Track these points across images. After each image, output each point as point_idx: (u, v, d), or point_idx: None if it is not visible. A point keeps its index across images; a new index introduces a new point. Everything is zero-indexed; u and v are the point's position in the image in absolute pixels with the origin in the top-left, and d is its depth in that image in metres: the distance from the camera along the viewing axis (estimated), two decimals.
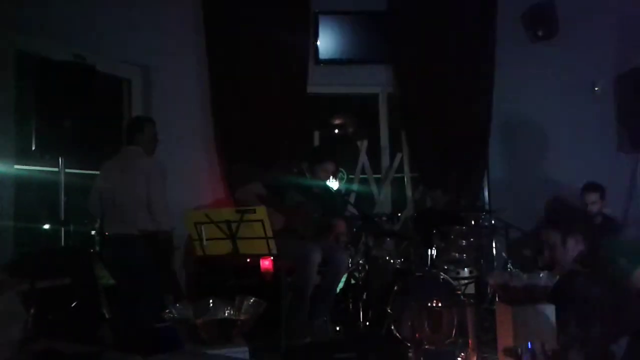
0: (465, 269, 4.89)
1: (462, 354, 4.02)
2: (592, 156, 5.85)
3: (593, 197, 4.76)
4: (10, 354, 2.34)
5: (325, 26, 6.15)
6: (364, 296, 4.71)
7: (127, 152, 4.57)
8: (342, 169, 6.27)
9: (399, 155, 6.38)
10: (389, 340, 4.33)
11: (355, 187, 6.27)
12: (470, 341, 3.55)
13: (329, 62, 6.17)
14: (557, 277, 3.55)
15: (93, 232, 4.69)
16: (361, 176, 6.42)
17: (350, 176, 6.37)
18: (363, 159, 6.41)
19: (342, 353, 4.04)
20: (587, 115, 5.97)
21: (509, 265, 4.72)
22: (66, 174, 4.51)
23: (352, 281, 4.95)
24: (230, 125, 5.74)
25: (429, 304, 4.32)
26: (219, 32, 5.75)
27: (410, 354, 4.13)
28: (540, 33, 6.02)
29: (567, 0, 6.00)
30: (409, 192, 6.37)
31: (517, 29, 6.12)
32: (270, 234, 3.79)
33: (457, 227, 4.88)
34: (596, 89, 6.07)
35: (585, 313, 4.33)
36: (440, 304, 4.30)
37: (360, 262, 4.92)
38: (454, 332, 4.22)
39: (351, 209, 5.42)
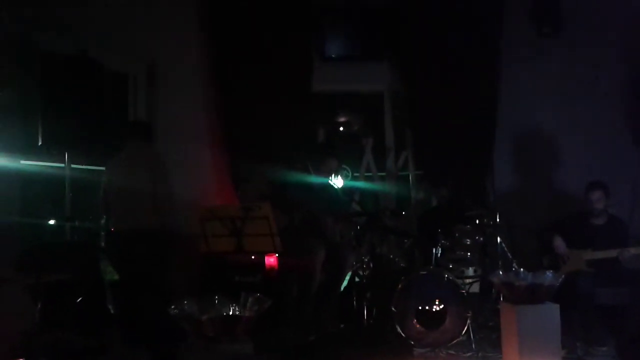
0: (470, 268, 4.87)
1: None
2: (598, 155, 5.82)
3: (597, 195, 4.74)
4: (18, 346, 2.36)
5: (331, 23, 6.14)
6: (368, 294, 4.71)
7: (132, 148, 4.57)
8: (346, 167, 6.27)
9: (403, 154, 6.38)
10: (392, 338, 4.34)
11: (359, 184, 6.27)
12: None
13: (335, 59, 6.15)
14: (563, 276, 3.55)
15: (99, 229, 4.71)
16: (366, 174, 6.42)
17: (355, 174, 6.37)
18: (368, 157, 6.40)
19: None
20: (593, 112, 5.94)
21: (513, 265, 4.71)
22: (72, 169, 4.52)
23: (357, 279, 4.95)
24: (234, 122, 5.74)
25: (433, 303, 4.34)
26: (224, 29, 5.74)
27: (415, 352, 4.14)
28: (545, 29, 6.00)
29: None
30: (413, 191, 6.36)
31: (523, 26, 6.08)
32: (275, 231, 3.80)
33: (462, 225, 4.87)
34: (601, 86, 6.03)
35: (590, 313, 4.34)
36: (444, 303, 4.32)
37: (365, 260, 4.92)
38: (463, 330, 4.25)
39: (355, 207, 5.42)
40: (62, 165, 4.50)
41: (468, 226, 4.88)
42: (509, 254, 4.88)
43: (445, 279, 4.46)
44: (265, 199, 4.41)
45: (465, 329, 4.26)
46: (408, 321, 4.35)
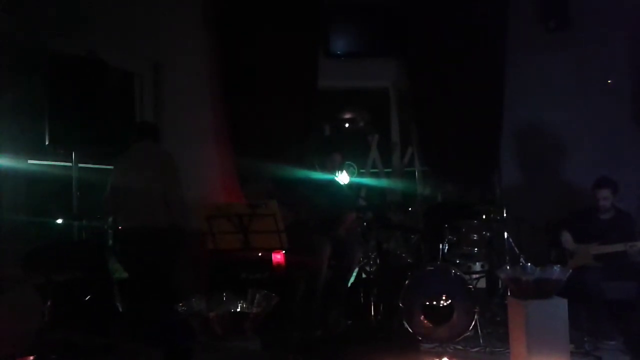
0: (477, 263, 4.88)
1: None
2: (606, 150, 5.80)
3: (604, 193, 4.72)
4: (27, 344, 2.37)
5: (336, 20, 6.14)
6: (375, 290, 4.71)
7: (139, 147, 4.59)
8: (352, 163, 6.28)
9: (409, 150, 6.38)
10: (400, 334, 4.35)
11: (365, 181, 6.27)
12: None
13: (340, 56, 6.16)
14: (570, 271, 3.54)
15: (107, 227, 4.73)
16: (372, 170, 6.42)
17: (361, 170, 6.37)
18: (374, 153, 6.40)
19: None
20: (600, 107, 5.91)
21: (521, 260, 4.70)
22: (79, 168, 4.54)
23: (363, 275, 4.96)
24: (240, 120, 5.75)
25: (440, 299, 4.34)
26: (230, 27, 5.75)
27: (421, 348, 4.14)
28: (552, 24, 5.97)
29: None
30: (419, 186, 6.36)
31: (529, 21, 6.06)
32: (281, 228, 3.82)
33: (469, 221, 4.87)
34: (609, 81, 5.99)
35: (598, 307, 4.33)
36: (451, 299, 4.32)
37: (372, 256, 4.93)
38: (470, 326, 4.24)
39: (362, 203, 5.42)
40: (69, 164, 4.52)
41: (475, 221, 4.87)
42: (516, 249, 4.87)
43: (452, 274, 4.46)
44: (271, 196, 4.42)
45: (473, 324, 4.26)
46: (415, 317, 4.35)
